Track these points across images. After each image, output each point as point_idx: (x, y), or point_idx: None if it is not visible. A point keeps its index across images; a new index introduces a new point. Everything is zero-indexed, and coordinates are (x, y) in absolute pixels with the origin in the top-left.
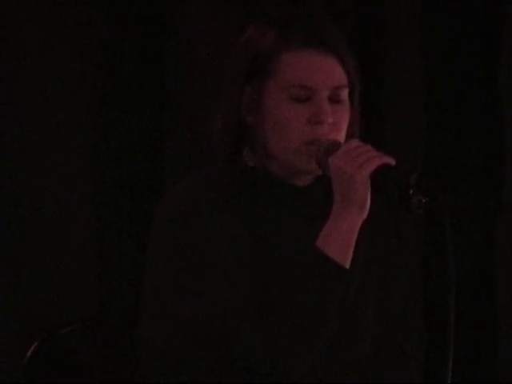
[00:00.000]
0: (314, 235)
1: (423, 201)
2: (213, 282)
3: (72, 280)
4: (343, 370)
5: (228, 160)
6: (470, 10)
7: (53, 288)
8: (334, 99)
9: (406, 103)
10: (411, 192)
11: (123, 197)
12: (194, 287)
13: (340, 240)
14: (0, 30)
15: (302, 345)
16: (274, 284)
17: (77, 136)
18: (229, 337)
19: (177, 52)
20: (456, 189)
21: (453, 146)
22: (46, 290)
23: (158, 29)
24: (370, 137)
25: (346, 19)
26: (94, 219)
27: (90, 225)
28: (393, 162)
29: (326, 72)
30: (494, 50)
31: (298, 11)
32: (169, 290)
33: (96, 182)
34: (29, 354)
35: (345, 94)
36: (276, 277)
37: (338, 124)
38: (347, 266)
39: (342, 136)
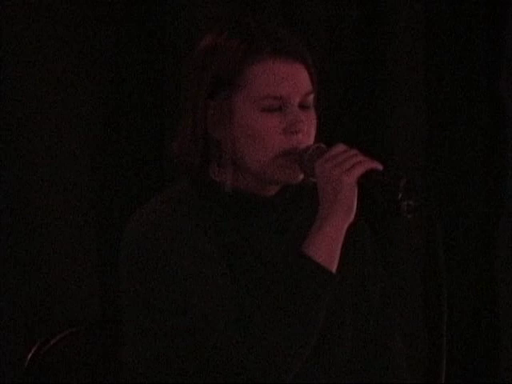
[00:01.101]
0: (288, 243)
1: (412, 205)
2: (191, 299)
3: (73, 283)
4: (325, 375)
5: (194, 176)
6: (472, 12)
7: (53, 291)
8: (303, 106)
9: (407, 105)
10: (400, 196)
11: (124, 197)
12: (172, 306)
13: (326, 244)
14: (1, 31)
15: (292, 352)
16: (258, 294)
17: (77, 138)
18: (214, 352)
19: (177, 52)
20: (458, 193)
21: (454, 150)
22: (46, 292)
23: (158, 29)
24: (372, 140)
25: (349, 20)
26: (95, 220)
27: (91, 226)
28: (380, 166)
29: (296, 80)
30: (495, 52)
31: (258, 20)
32: (147, 309)
33: (97, 184)
34: (29, 357)
35: (311, 99)
36: (258, 286)
37: (310, 130)
38: (333, 270)
39: (312, 141)
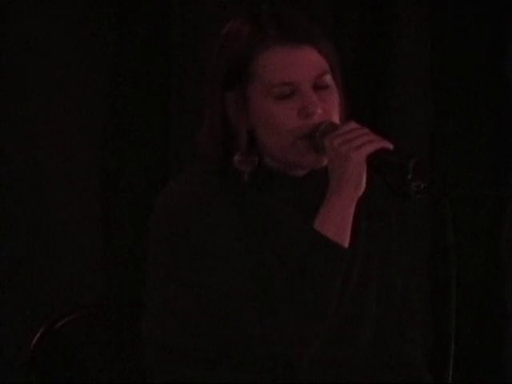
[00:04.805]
0: (308, 221)
1: (422, 186)
2: (213, 272)
3: (78, 269)
4: (347, 358)
5: (219, 168)
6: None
7: (59, 278)
8: (318, 86)
9: (413, 92)
10: (409, 177)
11: (130, 187)
12: (194, 279)
13: (335, 219)
14: (4, 28)
15: (308, 327)
16: (276, 270)
17: (82, 135)
18: (233, 326)
19: (183, 50)
20: (465, 177)
21: (462, 133)
22: (51, 279)
23: (163, 28)
24: (377, 127)
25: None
26: (100, 209)
27: (96, 215)
28: (391, 146)
29: (304, 63)
30: (501, 38)
31: (270, 7)
32: (169, 283)
33: (102, 175)
34: (34, 342)
35: (328, 78)
36: (277, 263)
37: (329, 110)
38: (345, 244)
39: (336, 120)
